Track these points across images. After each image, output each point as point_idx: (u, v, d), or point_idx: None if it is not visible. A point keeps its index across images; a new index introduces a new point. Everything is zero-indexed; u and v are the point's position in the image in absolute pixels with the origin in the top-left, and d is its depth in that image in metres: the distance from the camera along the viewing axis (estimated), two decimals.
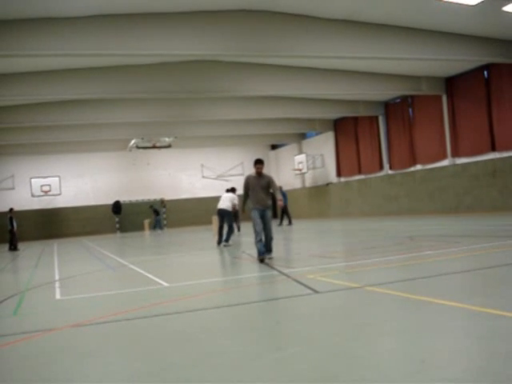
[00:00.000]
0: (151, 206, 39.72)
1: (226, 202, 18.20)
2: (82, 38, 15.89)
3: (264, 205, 11.55)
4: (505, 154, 23.48)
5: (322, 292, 7.10)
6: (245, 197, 11.88)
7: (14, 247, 26.66)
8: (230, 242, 17.66)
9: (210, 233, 26.79)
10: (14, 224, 26.87)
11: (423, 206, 28.27)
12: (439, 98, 26.85)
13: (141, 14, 16.32)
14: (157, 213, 39.02)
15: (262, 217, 11.48)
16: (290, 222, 29.09)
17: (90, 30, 15.92)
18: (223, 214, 17.97)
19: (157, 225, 38.90)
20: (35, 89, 20.96)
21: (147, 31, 16.42)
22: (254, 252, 13.79)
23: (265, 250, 11.51)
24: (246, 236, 22.19)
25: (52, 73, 20.77)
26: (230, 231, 17.78)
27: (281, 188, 30.28)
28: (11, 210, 27.70)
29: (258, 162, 11.59)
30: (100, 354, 5.14)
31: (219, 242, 17.59)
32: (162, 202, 42.49)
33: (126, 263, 13.94)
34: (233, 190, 19.93)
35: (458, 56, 20.45)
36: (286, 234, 22.19)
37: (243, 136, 39.82)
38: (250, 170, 50.66)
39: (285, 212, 29.19)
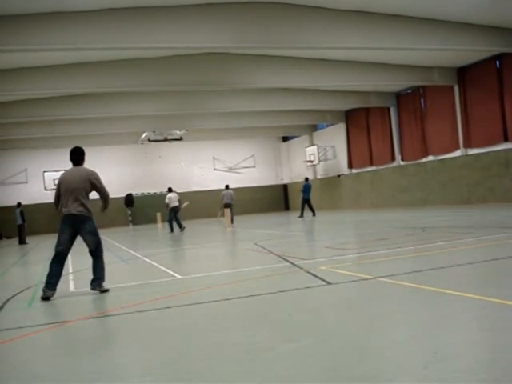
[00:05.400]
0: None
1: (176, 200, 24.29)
2: (93, 32, 15.92)
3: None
4: None
5: (334, 283, 7.11)
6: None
7: (22, 241, 26.97)
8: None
9: (221, 225, 26.84)
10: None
11: (435, 196, 28.14)
12: (451, 88, 26.66)
13: (152, 7, 16.30)
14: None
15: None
16: (301, 215, 29.00)
17: (102, 24, 15.94)
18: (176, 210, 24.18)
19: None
20: (48, 83, 21.04)
21: (158, 24, 16.40)
22: (266, 244, 13.84)
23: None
24: (259, 228, 22.24)
25: (64, 66, 20.82)
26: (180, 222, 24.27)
27: (307, 179, 30.02)
28: (20, 204, 27.87)
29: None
30: (113, 346, 5.19)
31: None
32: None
33: (138, 255, 14.01)
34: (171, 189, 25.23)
35: (469, 46, 20.30)
36: (298, 226, 22.19)
37: (254, 128, 39.76)
38: (262, 162, 50.23)
39: (308, 204, 28.89)
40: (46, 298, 7.86)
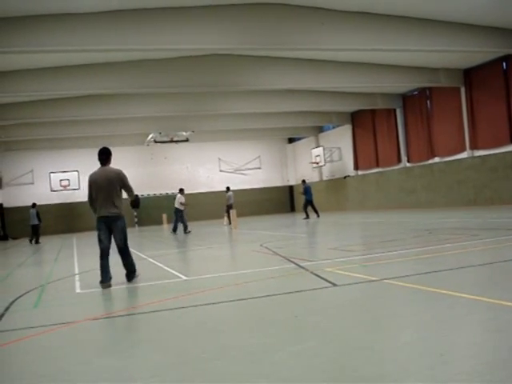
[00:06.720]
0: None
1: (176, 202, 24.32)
2: (98, 34, 15.96)
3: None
4: None
5: (340, 285, 7.10)
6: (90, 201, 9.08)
7: (37, 241, 27.49)
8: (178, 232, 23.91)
9: (228, 226, 26.87)
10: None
11: (441, 198, 28.07)
12: (457, 89, 26.59)
13: (156, 8, 16.33)
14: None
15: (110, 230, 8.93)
16: (306, 216, 28.97)
17: (107, 26, 15.98)
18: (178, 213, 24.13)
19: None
20: (53, 84, 21.10)
21: (163, 26, 16.43)
22: (272, 245, 13.83)
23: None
24: (265, 230, 22.24)
25: (70, 68, 20.89)
26: (177, 224, 24.26)
27: (304, 181, 30.24)
28: (35, 204, 28.21)
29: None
30: (119, 347, 5.19)
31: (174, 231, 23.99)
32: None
33: (144, 257, 14.01)
34: (181, 190, 25.19)
35: (475, 47, 20.24)
36: (304, 228, 22.18)
37: (260, 129, 39.79)
38: (268, 164, 50.14)
39: (311, 206, 29.00)
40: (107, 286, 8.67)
